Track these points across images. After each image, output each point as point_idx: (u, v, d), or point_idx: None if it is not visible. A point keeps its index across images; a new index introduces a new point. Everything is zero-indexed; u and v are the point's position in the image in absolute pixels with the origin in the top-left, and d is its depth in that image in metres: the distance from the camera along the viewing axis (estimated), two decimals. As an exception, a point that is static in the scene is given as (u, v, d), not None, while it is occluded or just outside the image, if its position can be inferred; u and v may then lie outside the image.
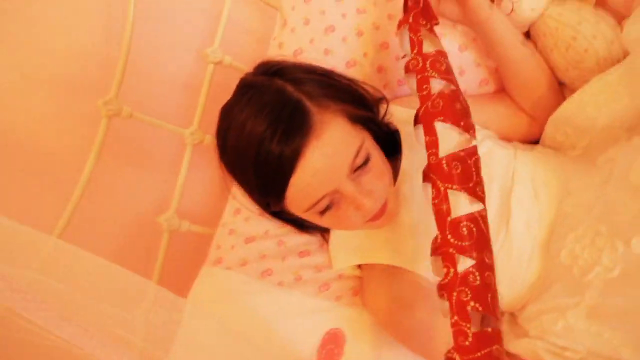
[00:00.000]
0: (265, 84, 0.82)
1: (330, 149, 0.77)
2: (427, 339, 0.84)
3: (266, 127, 0.76)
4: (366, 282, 0.98)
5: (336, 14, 1.09)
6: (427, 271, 0.83)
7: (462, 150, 0.73)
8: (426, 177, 0.75)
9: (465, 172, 0.72)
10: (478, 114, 0.82)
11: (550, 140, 0.97)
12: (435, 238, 0.71)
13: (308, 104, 0.79)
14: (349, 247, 0.99)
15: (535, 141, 1.01)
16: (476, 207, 0.71)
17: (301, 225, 1.00)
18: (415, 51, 0.82)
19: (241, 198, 0.97)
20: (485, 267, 0.67)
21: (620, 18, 0.93)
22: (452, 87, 0.78)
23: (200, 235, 1.19)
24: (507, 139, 0.99)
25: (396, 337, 0.90)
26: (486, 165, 0.77)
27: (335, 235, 1.01)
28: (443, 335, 0.74)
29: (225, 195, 1.09)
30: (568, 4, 0.96)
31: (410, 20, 0.85)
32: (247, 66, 1.25)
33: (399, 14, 0.89)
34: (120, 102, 1.09)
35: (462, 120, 0.76)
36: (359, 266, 1.00)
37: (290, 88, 0.81)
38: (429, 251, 0.72)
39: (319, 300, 1.00)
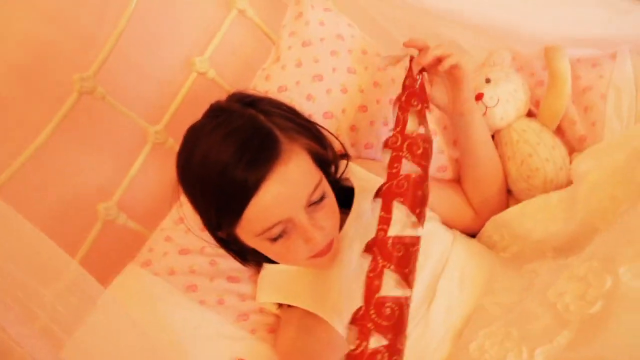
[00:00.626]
0: (238, 111, 0.84)
1: (294, 177, 0.80)
2: None
3: (234, 151, 0.78)
4: (283, 323, 0.99)
5: (328, 65, 1.15)
6: (342, 328, 0.86)
7: (409, 237, 0.77)
8: (368, 248, 0.77)
9: (405, 257, 0.76)
10: (430, 195, 0.87)
11: (486, 237, 1.04)
12: (359, 309, 0.73)
13: (278, 133, 0.82)
14: (276, 284, 1.00)
15: (471, 234, 1.08)
16: (405, 292, 0.74)
17: (242, 255, 1.00)
18: (397, 129, 0.86)
19: (187, 210, 0.97)
20: (396, 351, 0.70)
21: (571, 150, 1.04)
22: (421, 173, 0.82)
23: (135, 233, 1.17)
24: (448, 224, 1.05)
25: None
26: (426, 242, 0.82)
27: (266, 270, 1.03)
28: None
29: (170, 202, 1.09)
30: (533, 123, 1.05)
31: (403, 98, 0.89)
32: (229, 86, 1.28)
33: (385, 84, 0.95)
34: (96, 81, 1.09)
35: (419, 208, 0.80)
36: (281, 305, 1.02)
37: (262, 117, 0.84)
38: (347, 315, 0.74)
39: (234, 329, 1.00)
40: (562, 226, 0.92)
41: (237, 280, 1.06)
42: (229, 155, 0.77)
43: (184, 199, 1.07)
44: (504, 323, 0.81)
